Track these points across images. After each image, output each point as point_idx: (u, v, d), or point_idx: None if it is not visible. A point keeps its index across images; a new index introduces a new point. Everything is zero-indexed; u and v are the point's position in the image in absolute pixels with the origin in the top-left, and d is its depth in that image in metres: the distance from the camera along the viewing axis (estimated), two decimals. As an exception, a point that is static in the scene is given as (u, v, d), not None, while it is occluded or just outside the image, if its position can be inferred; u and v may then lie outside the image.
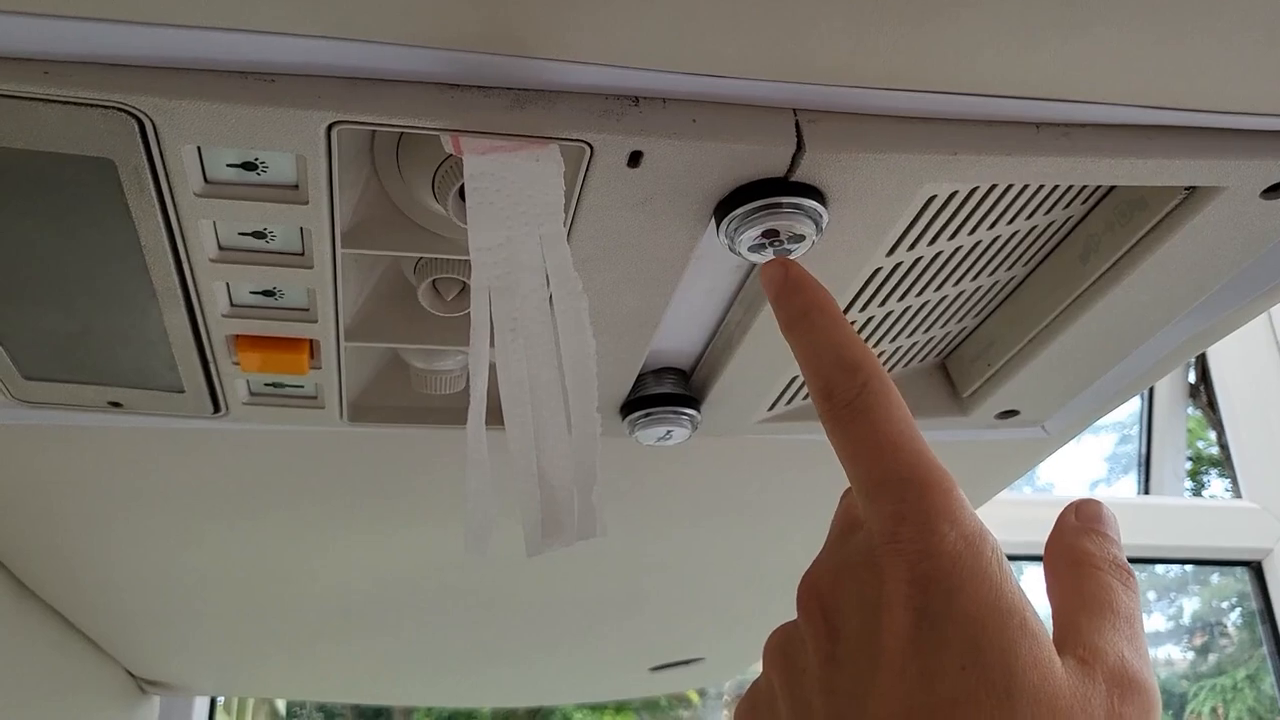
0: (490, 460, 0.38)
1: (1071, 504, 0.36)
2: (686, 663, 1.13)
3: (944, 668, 0.28)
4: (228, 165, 0.37)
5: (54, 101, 0.33)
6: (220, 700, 1.72)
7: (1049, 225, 0.47)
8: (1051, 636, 0.30)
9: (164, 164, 0.35)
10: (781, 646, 0.35)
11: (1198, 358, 2.44)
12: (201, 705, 1.43)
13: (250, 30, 0.32)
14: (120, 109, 0.33)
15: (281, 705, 3.27)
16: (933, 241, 0.44)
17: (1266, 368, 2.12)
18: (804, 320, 0.36)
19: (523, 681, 1.25)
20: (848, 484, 0.64)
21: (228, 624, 0.94)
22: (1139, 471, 2.46)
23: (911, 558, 0.30)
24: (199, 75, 0.33)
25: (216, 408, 0.51)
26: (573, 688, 1.42)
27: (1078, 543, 0.34)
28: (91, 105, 0.33)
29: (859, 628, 0.31)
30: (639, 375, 0.53)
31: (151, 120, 0.33)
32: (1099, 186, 0.45)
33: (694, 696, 3.78)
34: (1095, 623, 0.31)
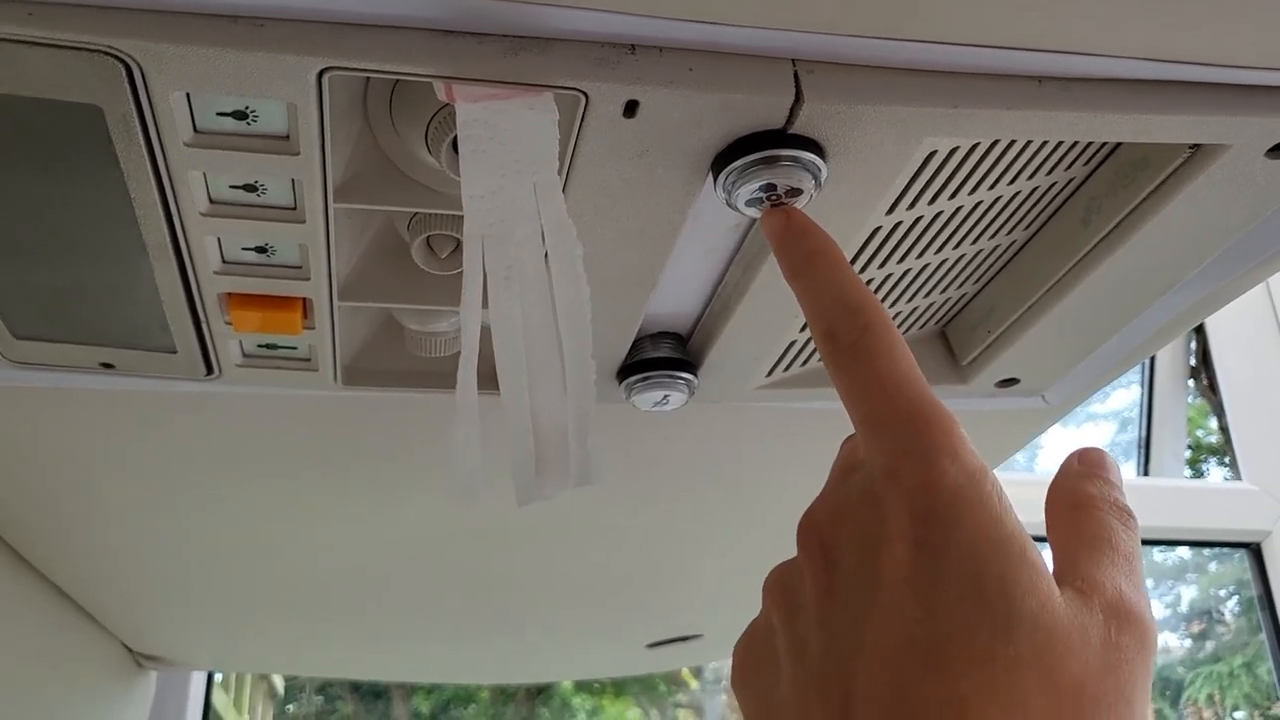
0: (481, 418, 0.38)
1: (1075, 451, 0.36)
2: (684, 639, 1.12)
3: (943, 599, 0.28)
4: (218, 114, 0.36)
5: (38, 44, 0.32)
6: (219, 678, 1.72)
7: (1050, 187, 0.46)
8: (1052, 571, 0.30)
9: (153, 112, 0.35)
10: (780, 582, 0.35)
11: (1199, 339, 2.44)
12: (199, 680, 1.43)
13: None
14: (107, 53, 0.32)
15: (280, 685, 3.28)
16: (933, 200, 0.44)
17: (1268, 349, 2.12)
18: (807, 265, 0.36)
19: (521, 657, 1.25)
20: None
21: (222, 596, 0.93)
22: (1139, 454, 2.46)
23: (912, 492, 0.30)
24: (187, 19, 0.32)
25: (209, 369, 0.51)
26: (571, 664, 1.42)
27: (1079, 485, 0.34)
28: (77, 49, 0.32)
29: (858, 562, 0.31)
30: (636, 339, 0.52)
31: (139, 65, 0.33)
32: (1101, 147, 0.44)
33: (691, 681, 3.79)
34: (1094, 557, 0.31)
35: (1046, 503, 0.34)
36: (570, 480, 0.40)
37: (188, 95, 0.35)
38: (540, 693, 3.73)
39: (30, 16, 0.31)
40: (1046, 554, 0.31)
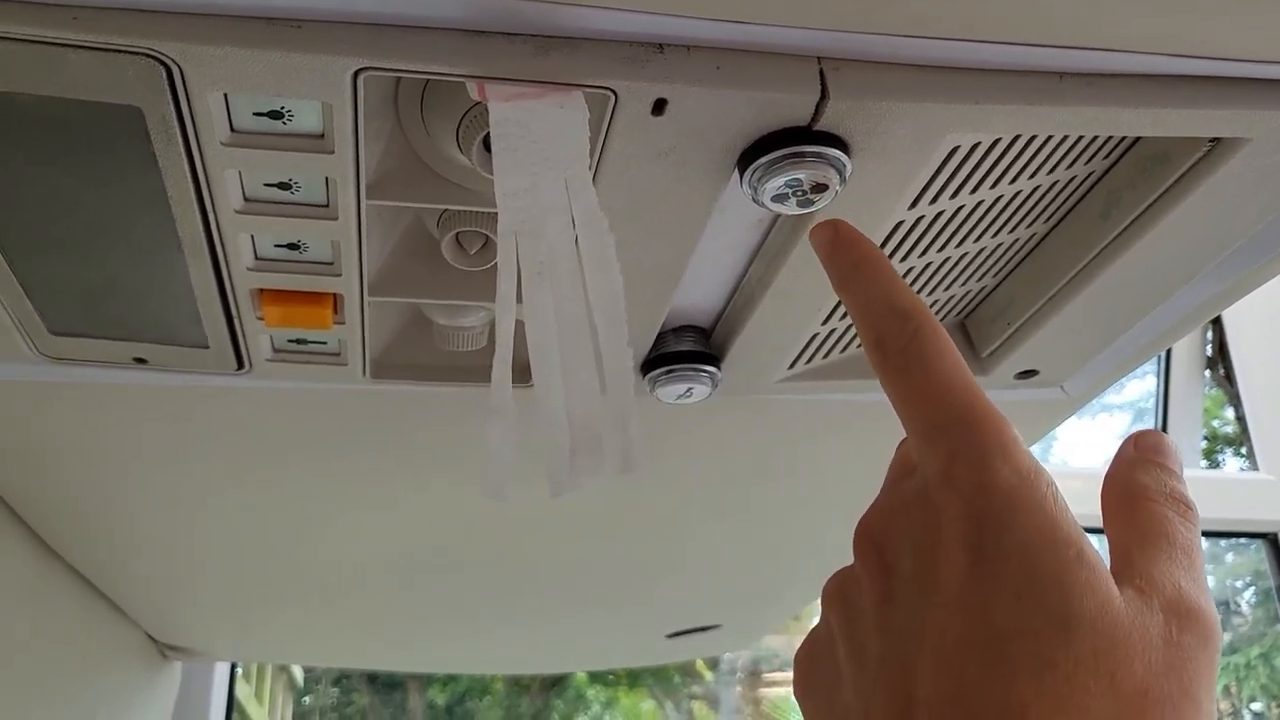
0: (514, 412, 0.39)
1: (1131, 435, 0.35)
2: (704, 629, 1.13)
3: (1000, 600, 0.28)
4: (254, 114, 0.37)
5: (82, 47, 0.33)
6: (239, 670, 1.74)
7: (1070, 180, 0.47)
8: (1109, 569, 0.30)
9: (191, 112, 0.36)
10: (839, 589, 0.35)
11: (1215, 330, 2.43)
12: (222, 670, 1.45)
13: None
14: (148, 55, 0.33)
15: (299, 676, 3.30)
16: (955, 195, 0.44)
17: (1286, 340, 2.12)
18: (855, 274, 0.36)
19: (540, 647, 1.26)
20: (868, 449, 0.65)
21: (245, 587, 0.95)
22: (1155, 445, 2.45)
23: (966, 494, 0.30)
24: (227, 21, 0.33)
25: (240, 364, 0.52)
26: (590, 654, 1.43)
27: (1134, 475, 0.33)
28: (119, 51, 0.33)
29: (914, 566, 0.31)
30: (660, 333, 0.53)
31: (179, 66, 0.34)
32: (1121, 140, 0.45)
33: (706, 672, 3.80)
34: (1151, 554, 0.31)
35: (1102, 493, 0.34)
36: (603, 469, 0.41)
37: (225, 96, 0.36)
38: (555, 685, 3.75)
39: (75, 20, 0.32)
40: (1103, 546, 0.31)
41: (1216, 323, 2.34)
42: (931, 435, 0.32)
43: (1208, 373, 2.62)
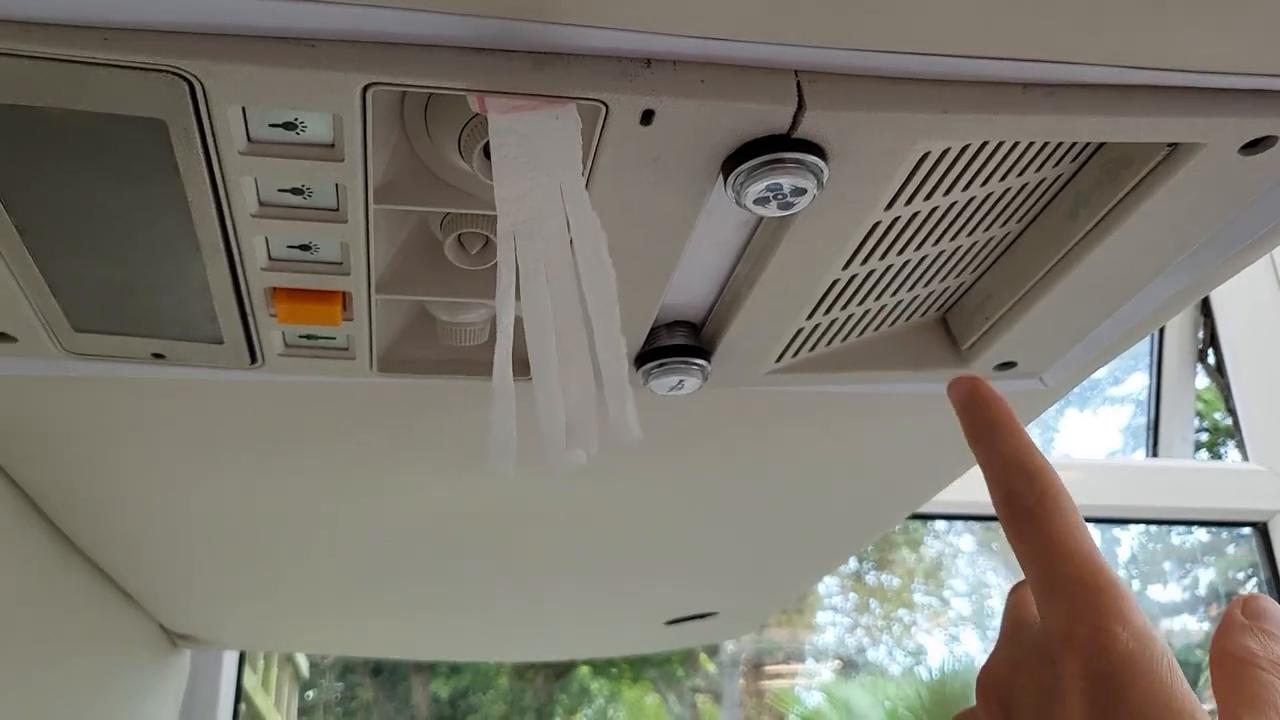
0: (514, 392, 0.42)
1: (1238, 599, 0.38)
2: (702, 617, 1.16)
3: None
4: (270, 125, 0.40)
5: (112, 66, 0.35)
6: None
7: (1040, 182, 0.49)
8: None
9: (211, 124, 0.38)
10: None
11: (1206, 323, 2.46)
12: (231, 659, 1.48)
13: None
14: (173, 72, 0.36)
15: (304, 668, 3.33)
16: (928, 197, 0.47)
17: (1274, 332, 2.14)
18: (989, 432, 0.39)
19: (541, 634, 1.28)
20: (857, 443, 0.68)
21: (256, 576, 0.97)
22: (1148, 436, 2.48)
23: (1086, 654, 0.33)
24: (245, 40, 0.36)
25: (254, 359, 0.54)
26: (590, 642, 1.45)
27: (1242, 640, 0.36)
28: (146, 69, 0.36)
29: (1035, 717, 0.34)
30: (653, 328, 0.56)
31: (201, 82, 0.36)
32: (1086, 145, 0.47)
33: (708, 664, 3.83)
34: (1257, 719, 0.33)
35: (1210, 656, 0.36)
36: (595, 444, 0.44)
37: (243, 109, 0.39)
38: (559, 678, 3.78)
39: (105, 41, 0.35)
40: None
41: (1207, 315, 2.36)
42: (1053, 592, 0.35)
43: (1199, 365, 2.65)
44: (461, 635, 1.29)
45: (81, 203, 0.43)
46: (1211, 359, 2.54)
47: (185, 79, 0.36)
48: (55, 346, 0.53)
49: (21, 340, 0.52)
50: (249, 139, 0.40)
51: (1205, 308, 2.32)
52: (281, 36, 0.36)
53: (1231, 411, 2.19)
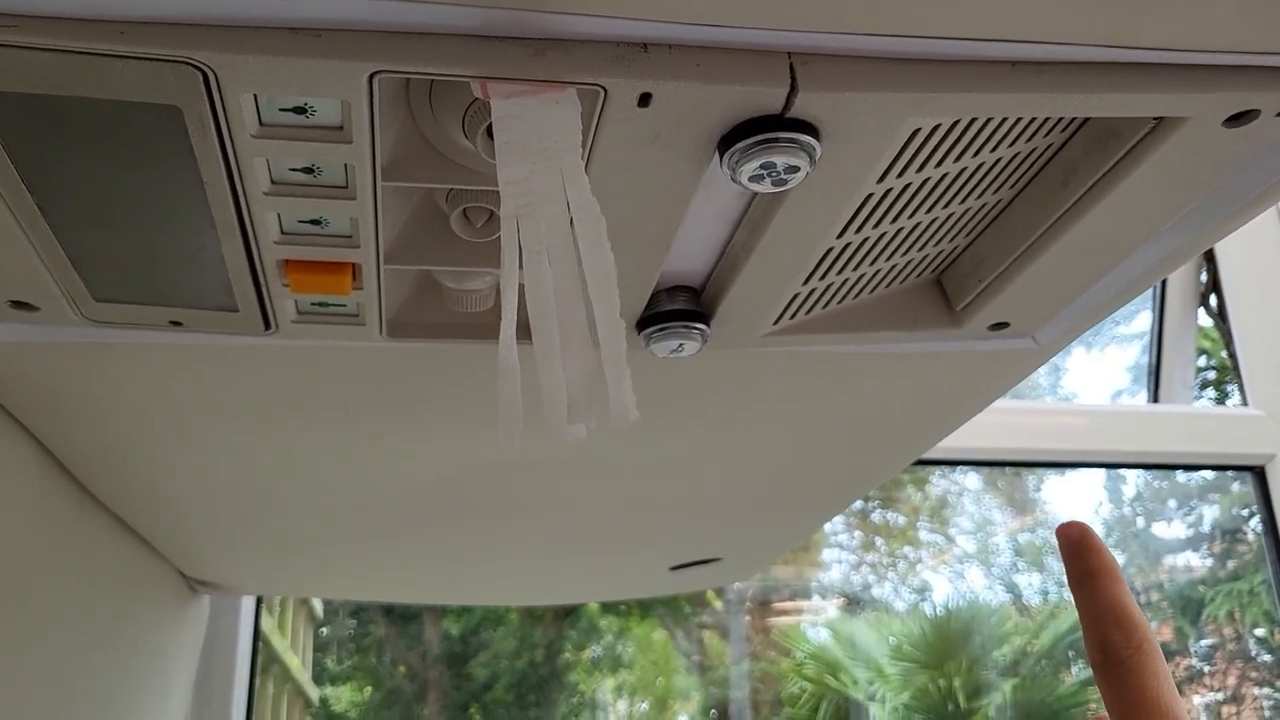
0: (520, 372, 0.43)
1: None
2: (705, 562, 1.19)
3: None
4: (280, 110, 0.41)
5: (130, 58, 0.37)
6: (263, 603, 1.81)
7: (1030, 152, 0.50)
8: None
9: (224, 110, 0.40)
10: None
11: (1209, 267, 2.46)
12: (248, 604, 1.52)
13: None
14: (187, 63, 0.37)
15: (319, 609, 3.40)
16: (920, 169, 0.48)
17: (1276, 277, 2.14)
18: (1091, 579, 0.40)
19: (549, 579, 1.32)
20: (845, 394, 0.69)
21: (270, 526, 1.00)
22: (1149, 381, 2.50)
23: None
24: (256, 31, 0.37)
25: (267, 325, 0.56)
26: (596, 587, 1.49)
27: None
28: (162, 60, 0.37)
29: None
30: (654, 293, 0.57)
31: (214, 72, 0.38)
32: (1074, 118, 0.48)
33: (715, 601, 3.89)
34: None
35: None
36: (596, 420, 0.46)
37: (255, 95, 0.40)
38: (568, 615, 3.84)
39: (122, 34, 0.36)
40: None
41: (1210, 260, 2.36)
42: None
43: (1202, 308, 2.66)
44: (471, 581, 1.32)
45: (100, 183, 0.45)
46: (1214, 303, 2.55)
47: (199, 69, 0.37)
48: (76, 315, 0.55)
49: (44, 309, 0.54)
50: (260, 123, 0.41)
51: (1209, 252, 2.32)
52: (290, 27, 0.37)
53: (1232, 356, 2.20)
